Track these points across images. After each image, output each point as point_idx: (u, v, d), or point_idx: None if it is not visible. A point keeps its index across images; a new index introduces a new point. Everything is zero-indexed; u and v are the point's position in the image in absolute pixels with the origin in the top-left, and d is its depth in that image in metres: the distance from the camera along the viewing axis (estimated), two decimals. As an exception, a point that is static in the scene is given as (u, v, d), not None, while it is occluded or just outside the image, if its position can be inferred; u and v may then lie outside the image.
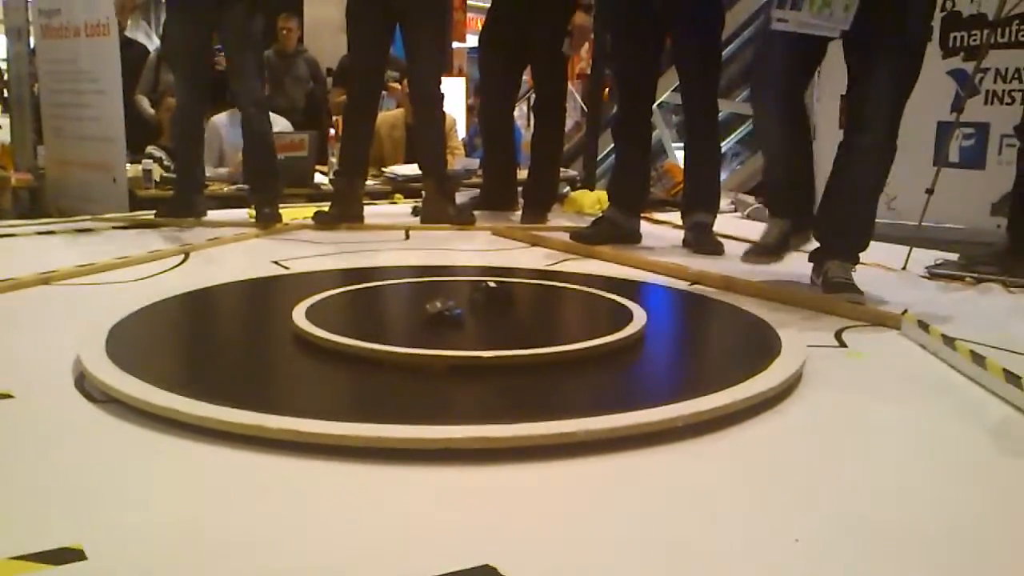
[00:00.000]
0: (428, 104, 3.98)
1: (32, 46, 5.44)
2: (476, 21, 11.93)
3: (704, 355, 2.19)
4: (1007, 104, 4.58)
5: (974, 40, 4.73)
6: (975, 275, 2.92)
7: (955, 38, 4.81)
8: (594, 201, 4.56)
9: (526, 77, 4.76)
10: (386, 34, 3.93)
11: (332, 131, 5.85)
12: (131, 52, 5.76)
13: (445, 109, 4.06)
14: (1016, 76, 4.54)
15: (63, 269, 2.70)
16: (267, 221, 3.81)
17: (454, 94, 7.95)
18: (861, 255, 2.67)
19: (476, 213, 4.10)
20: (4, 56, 6.06)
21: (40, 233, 3.64)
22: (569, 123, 6.00)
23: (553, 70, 4.29)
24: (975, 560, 1.15)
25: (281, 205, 3.96)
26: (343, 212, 3.89)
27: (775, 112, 2.70)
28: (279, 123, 5.92)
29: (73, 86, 4.90)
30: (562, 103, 4.43)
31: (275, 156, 4.02)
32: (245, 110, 3.86)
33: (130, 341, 1.93)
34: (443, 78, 4.04)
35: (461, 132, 7.70)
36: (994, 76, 4.63)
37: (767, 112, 2.74)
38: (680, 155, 4.39)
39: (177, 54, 4.14)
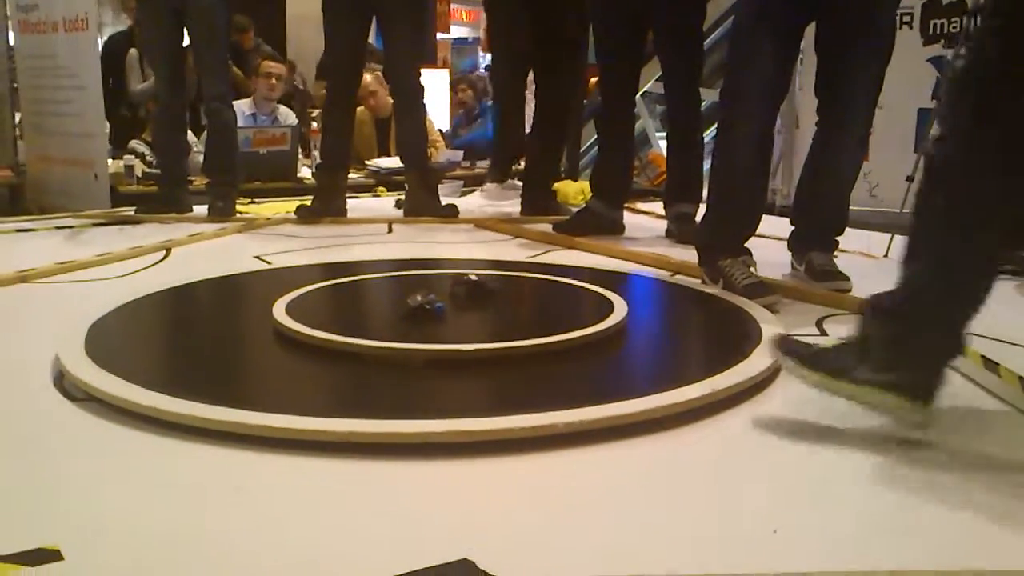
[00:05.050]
0: (407, 96, 3.96)
1: (11, 41, 5.41)
2: (460, 12, 11.92)
3: (684, 345, 2.20)
4: None
5: (954, 27, 4.75)
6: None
7: (935, 25, 4.83)
8: (577, 191, 4.55)
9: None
10: (362, 27, 3.92)
11: (314, 124, 5.83)
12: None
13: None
14: None
15: (42, 267, 2.68)
16: (220, 215, 3.81)
17: (438, 86, 7.94)
18: (840, 239, 2.72)
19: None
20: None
21: (20, 231, 3.61)
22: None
23: (560, 80, 4.23)
24: (951, 538, 1.16)
25: (264, 200, 3.96)
26: (326, 206, 3.89)
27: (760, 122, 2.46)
28: (290, 117, 5.90)
29: (52, 82, 4.88)
30: (565, 110, 4.36)
31: (236, 150, 4.05)
32: (208, 104, 3.88)
33: (110, 339, 1.92)
34: (427, 69, 4.02)
35: (445, 124, 7.69)
36: (974, 63, 4.64)
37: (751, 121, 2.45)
38: (664, 145, 4.38)
39: (151, 49, 4.15)
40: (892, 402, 1.43)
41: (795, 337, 1.67)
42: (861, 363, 1.46)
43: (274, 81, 5.67)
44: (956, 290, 1.45)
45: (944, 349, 1.47)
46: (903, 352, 1.45)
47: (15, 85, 5.42)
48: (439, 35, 10.40)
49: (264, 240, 3.44)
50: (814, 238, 2.70)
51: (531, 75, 4.46)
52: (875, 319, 1.50)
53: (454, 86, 7.95)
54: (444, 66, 9.76)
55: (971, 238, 1.42)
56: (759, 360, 1.79)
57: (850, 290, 2.50)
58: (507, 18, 4.41)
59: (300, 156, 5.49)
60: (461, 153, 6.18)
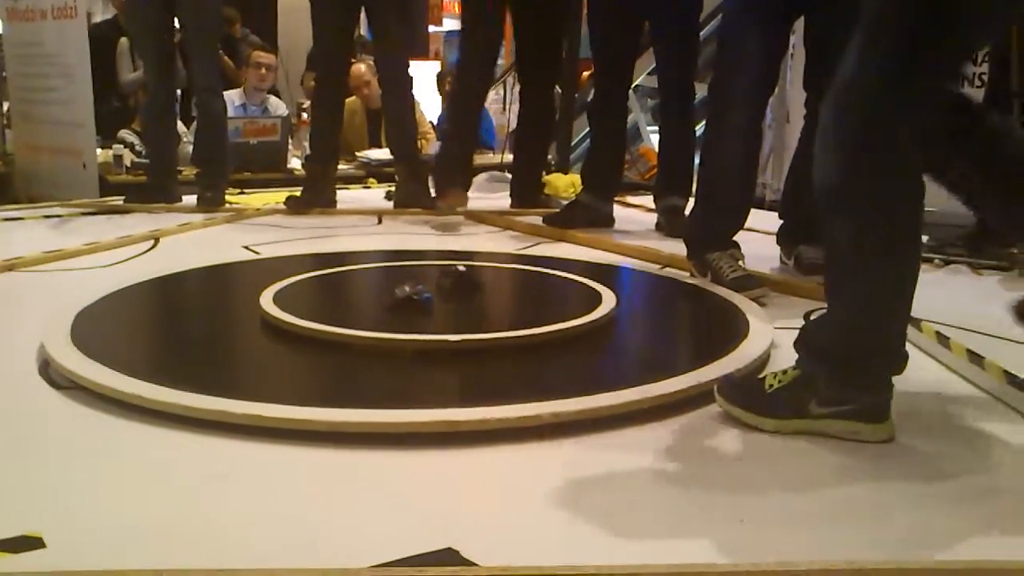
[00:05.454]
0: (396, 88, 3.94)
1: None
2: (453, 5, 11.88)
3: (672, 338, 2.20)
4: (978, 87, 4.61)
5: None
6: (944, 257, 2.94)
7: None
8: (568, 184, 4.54)
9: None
10: (350, 18, 3.90)
11: (304, 116, 5.80)
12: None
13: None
14: (987, 59, 4.57)
15: (30, 255, 2.67)
16: (209, 205, 3.81)
17: (430, 78, 7.88)
18: None
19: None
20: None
21: (8, 219, 3.60)
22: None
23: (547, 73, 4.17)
24: (935, 532, 1.16)
25: (253, 190, 3.95)
26: (315, 197, 3.87)
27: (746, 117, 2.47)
28: (280, 107, 5.87)
29: (40, 70, 4.85)
30: (552, 102, 4.30)
31: (226, 140, 4.05)
32: (198, 94, 3.87)
33: (96, 327, 1.91)
34: (420, 61, 3.99)
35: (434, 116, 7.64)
36: (965, 59, 4.65)
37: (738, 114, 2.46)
38: (655, 139, 4.36)
39: (140, 39, 4.13)
40: (853, 429, 1.44)
41: (734, 375, 1.66)
42: (811, 397, 1.47)
43: (264, 71, 5.62)
44: (898, 304, 1.46)
45: (891, 364, 1.48)
46: (853, 383, 1.46)
47: (3, 74, 5.39)
48: (431, 28, 10.37)
49: (253, 230, 3.42)
50: (803, 232, 2.69)
51: (517, 73, 4.40)
52: (815, 359, 1.50)
53: (440, 79, 7.88)
54: (436, 58, 9.72)
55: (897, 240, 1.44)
56: (746, 352, 1.79)
57: None
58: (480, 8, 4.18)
59: (290, 147, 5.47)
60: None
